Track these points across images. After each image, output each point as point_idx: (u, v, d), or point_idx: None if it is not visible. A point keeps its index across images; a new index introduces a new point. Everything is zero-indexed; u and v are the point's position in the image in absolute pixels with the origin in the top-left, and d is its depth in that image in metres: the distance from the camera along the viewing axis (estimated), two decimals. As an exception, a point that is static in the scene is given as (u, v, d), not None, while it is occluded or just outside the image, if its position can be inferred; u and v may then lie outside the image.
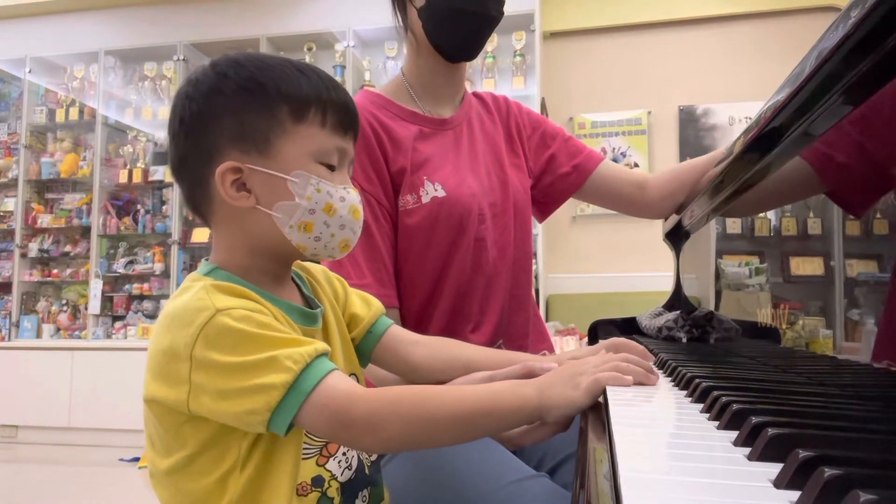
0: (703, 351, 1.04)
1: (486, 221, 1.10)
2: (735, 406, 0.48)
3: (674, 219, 1.28)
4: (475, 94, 1.24)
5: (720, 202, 0.98)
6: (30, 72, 4.35)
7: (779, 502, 0.32)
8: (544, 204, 1.27)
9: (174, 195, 4.08)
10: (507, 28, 3.67)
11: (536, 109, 3.07)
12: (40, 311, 4.28)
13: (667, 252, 1.43)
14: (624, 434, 0.45)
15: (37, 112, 4.39)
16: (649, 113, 3.96)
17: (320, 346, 0.62)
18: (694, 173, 1.19)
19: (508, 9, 1.12)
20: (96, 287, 4.09)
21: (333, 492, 0.69)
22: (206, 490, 0.63)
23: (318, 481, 0.68)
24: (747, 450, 0.41)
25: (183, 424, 0.62)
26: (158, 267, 4.12)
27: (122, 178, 4.20)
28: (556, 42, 4.11)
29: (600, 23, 4.05)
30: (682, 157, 3.86)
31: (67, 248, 4.29)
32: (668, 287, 1.40)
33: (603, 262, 3.93)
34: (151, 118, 4.25)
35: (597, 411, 0.58)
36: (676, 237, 1.36)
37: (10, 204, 4.35)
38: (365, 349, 0.82)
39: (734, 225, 1.05)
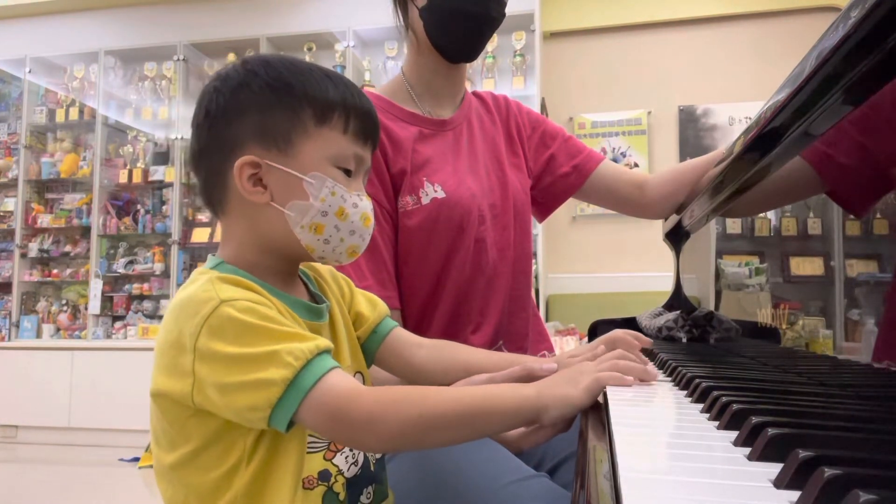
0: (703, 351, 1.04)
1: (486, 222, 1.10)
2: (735, 406, 0.48)
3: (674, 219, 1.28)
4: (475, 94, 1.24)
5: (720, 202, 0.98)
6: (30, 72, 4.35)
7: (779, 502, 0.32)
8: (544, 204, 1.27)
9: (174, 195, 4.08)
10: (507, 28, 3.66)
11: (536, 109, 3.07)
12: (40, 311, 4.28)
13: (667, 252, 1.43)
14: (624, 434, 0.45)
15: (37, 112, 4.39)
16: (649, 113, 3.96)
17: (322, 342, 0.62)
18: (694, 173, 1.19)
19: (508, 9, 1.12)
20: (96, 287, 4.09)
21: (339, 487, 0.69)
22: (211, 485, 0.63)
23: (324, 475, 0.68)
24: (747, 450, 0.41)
25: (188, 419, 0.63)
26: (158, 267, 4.12)
27: (122, 178, 4.20)
28: (556, 42, 4.11)
29: (600, 23, 4.05)
30: (682, 158, 3.86)
31: (67, 248, 4.29)
32: (668, 287, 1.40)
33: (603, 262, 3.94)
34: (151, 118, 4.26)
35: (597, 411, 0.58)
36: (676, 237, 1.36)
37: (10, 204, 4.35)
38: (369, 349, 0.82)
39: (734, 225, 1.05)
